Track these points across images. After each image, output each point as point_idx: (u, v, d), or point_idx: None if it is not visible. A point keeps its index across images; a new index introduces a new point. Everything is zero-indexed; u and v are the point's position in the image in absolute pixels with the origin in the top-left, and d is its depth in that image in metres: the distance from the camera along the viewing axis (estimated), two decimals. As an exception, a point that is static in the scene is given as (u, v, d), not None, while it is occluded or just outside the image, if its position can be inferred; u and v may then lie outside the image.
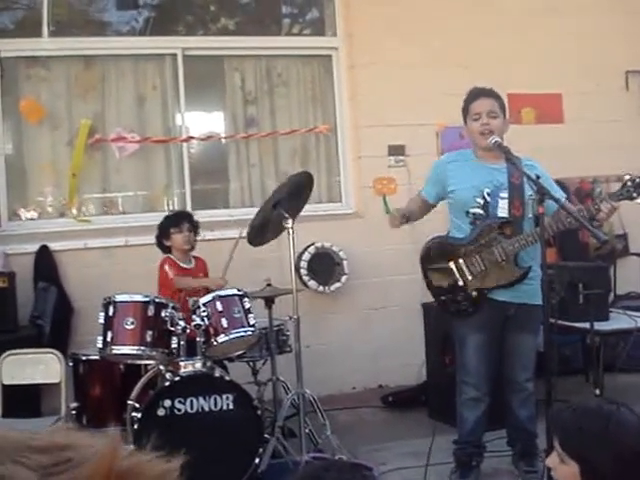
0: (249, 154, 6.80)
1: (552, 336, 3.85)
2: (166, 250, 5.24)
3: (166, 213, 5.57)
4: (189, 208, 6.50)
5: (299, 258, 6.22)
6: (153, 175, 6.62)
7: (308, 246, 6.32)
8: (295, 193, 4.75)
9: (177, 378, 4.31)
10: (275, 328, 5.09)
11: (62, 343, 5.85)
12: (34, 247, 6.04)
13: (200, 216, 6.08)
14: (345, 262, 6.40)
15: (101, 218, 6.43)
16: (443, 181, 4.31)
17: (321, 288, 6.35)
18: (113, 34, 6.70)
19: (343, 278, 6.41)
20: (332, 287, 6.39)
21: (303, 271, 6.26)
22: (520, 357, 4.29)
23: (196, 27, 6.92)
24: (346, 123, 6.87)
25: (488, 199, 4.15)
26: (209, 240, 5.83)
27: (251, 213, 6.07)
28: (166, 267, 5.11)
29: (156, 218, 6.30)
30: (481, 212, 4.17)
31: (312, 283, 6.30)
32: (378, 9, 6.70)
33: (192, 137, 6.63)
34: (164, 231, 5.23)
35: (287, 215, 4.58)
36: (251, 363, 5.25)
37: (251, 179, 6.80)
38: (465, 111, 4.28)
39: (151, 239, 5.83)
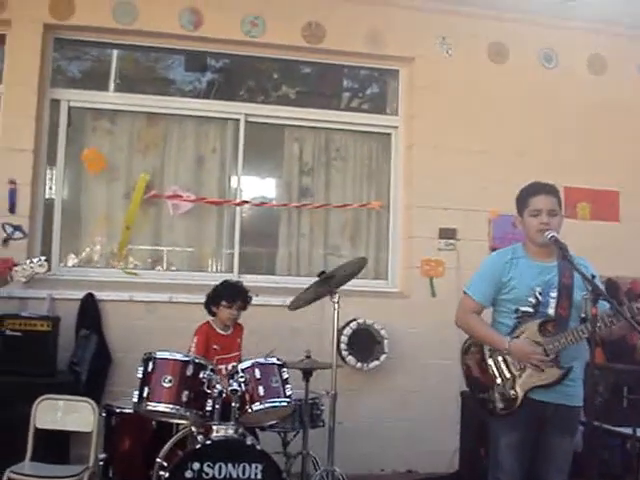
0: (300, 224, 6.89)
1: (593, 440, 3.78)
2: (211, 313, 5.26)
3: (225, 279, 5.54)
4: (236, 271, 6.59)
5: (340, 332, 6.22)
6: (204, 235, 6.73)
7: (350, 321, 6.33)
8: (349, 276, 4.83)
9: (208, 442, 4.28)
10: (310, 401, 5.07)
11: (97, 392, 5.88)
12: (80, 294, 6.14)
13: (245, 280, 6.16)
14: (386, 341, 6.38)
15: (148, 272, 6.55)
16: (499, 281, 4.17)
17: (359, 365, 6.33)
18: (176, 93, 6.89)
19: (382, 357, 6.38)
20: (370, 365, 6.36)
21: (343, 346, 6.26)
22: (556, 460, 4.17)
23: (257, 93, 7.08)
24: (399, 202, 6.94)
25: (540, 298, 4.09)
26: (252, 305, 5.84)
27: (296, 282, 6.18)
28: (195, 339, 5.13)
29: (203, 278, 6.44)
30: (531, 310, 4.11)
31: (350, 359, 6.29)
32: (440, 93, 6.82)
33: (246, 201, 6.74)
34: (216, 299, 5.26)
35: (335, 290, 4.61)
36: (282, 434, 5.22)
37: (299, 248, 6.88)
38: (523, 203, 4.21)
39: (195, 298, 5.91)
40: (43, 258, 5.31)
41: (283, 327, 6.12)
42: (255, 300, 5.93)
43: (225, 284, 5.41)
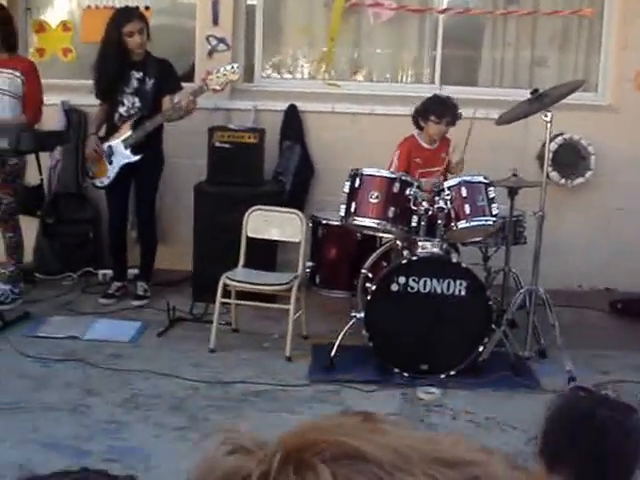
0: (506, 32, 6.54)
1: None
2: (419, 127, 5.18)
3: (435, 93, 5.41)
4: (437, 82, 6.44)
5: (544, 147, 6.02)
6: (405, 45, 6.57)
7: (556, 136, 6.08)
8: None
9: (415, 257, 4.40)
10: (514, 218, 5.03)
11: (300, 201, 6.10)
12: (283, 105, 6.23)
13: (447, 91, 6.05)
14: (592, 157, 6.13)
15: (349, 83, 6.50)
16: None
17: (563, 181, 6.16)
18: None
19: (588, 174, 6.16)
20: (575, 182, 6.17)
21: (547, 161, 6.08)
22: None
23: None
24: (615, 9, 6.40)
25: None
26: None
27: (500, 94, 6.05)
28: (398, 152, 5.08)
29: (403, 89, 6.38)
30: None
31: (554, 175, 6.10)
32: None
33: (449, 9, 6.45)
34: (425, 113, 5.12)
35: (548, 109, 4.44)
36: (483, 248, 5.24)
37: (504, 58, 6.57)
38: None
39: (395, 110, 5.94)
40: (236, 65, 5.41)
41: (485, 141, 5.97)
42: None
43: (435, 99, 5.26)
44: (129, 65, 5.51)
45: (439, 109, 5.09)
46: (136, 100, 5.52)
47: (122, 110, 5.54)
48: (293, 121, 6.23)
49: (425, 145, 5.19)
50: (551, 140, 5.99)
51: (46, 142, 5.18)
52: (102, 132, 5.74)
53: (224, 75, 5.30)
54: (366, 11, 6.39)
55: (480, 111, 5.89)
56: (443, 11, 6.42)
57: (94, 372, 4.40)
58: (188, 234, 5.82)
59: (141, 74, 5.51)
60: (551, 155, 6.05)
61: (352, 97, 6.34)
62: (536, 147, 6.01)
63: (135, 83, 5.51)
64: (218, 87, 5.34)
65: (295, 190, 6.12)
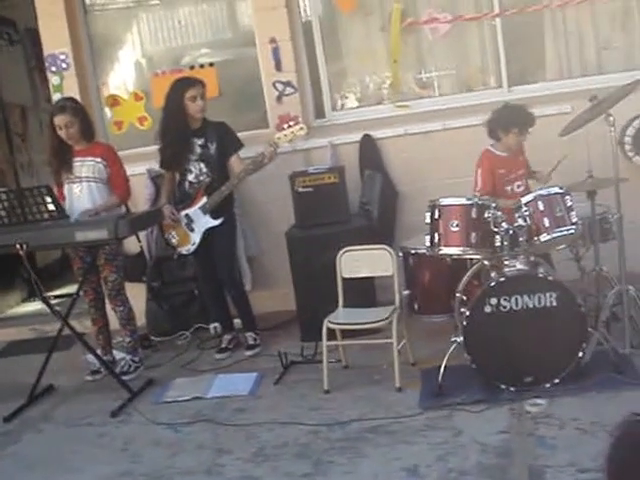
0: (566, 22, 6.87)
1: None
2: (496, 138, 5.49)
3: (508, 104, 5.59)
4: (505, 84, 6.84)
5: (623, 132, 6.35)
6: (467, 54, 7.04)
7: (634, 118, 6.39)
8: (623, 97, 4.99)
9: (502, 278, 4.86)
10: (598, 217, 5.38)
11: (389, 227, 6.67)
12: (357, 136, 6.80)
13: (516, 92, 6.52)
14: (675, 131, 6.40)
15: (419, 102, 6.99)
16: None
17: (649, 162, 6.46)
18: None
19: (674, 150, 6.44)
20: (661, 160, 6.46)
21: (627, 147, 6.40)
22: None
23: None
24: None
25: None
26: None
27: (570, 85, 6.44)
28: (479, 170, 5.47)
29: (473, 98, 6.83)
30: None
31: (638, 159, 6.42)
32: None
33: (504, 10, 6.82)
34: (506, 126, 5.42)
35: (609, 113, 4.84)
36: (573, 250, 5.63)
37: (569, 48, 6.91)
38: None
39: (468, 121, 6.40)
40: (300, 121, 6.02)
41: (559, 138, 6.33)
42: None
43: (514, 110, 5.48)
44: (190, 133, 6.10)
45: (520, 121, 5.43)
46: (202, 166, 6.11)
47: (191, 177, 6.15)
48: (369, 150, 6.79)
49: (503, 154, 5.54)
50: (628, 125, 6.39)
51: (142, 224, 5.83)
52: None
53: (291, 133, 5.93)
54: (423, 28, 6.89)
55: (552, 107, 6.34)
56: (498, 14, 6.81)
57: (222, 430, 5.01)
58: (287, 275, 6.41)
59: (202, 140, 6.10)
60: (630, 140, 6.42)
61: (423, 115, 6.84)
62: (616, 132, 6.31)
63: (198, 149, 6.10)
64: (287, 144, 6.00)
65: (383, 215, 6.63)
